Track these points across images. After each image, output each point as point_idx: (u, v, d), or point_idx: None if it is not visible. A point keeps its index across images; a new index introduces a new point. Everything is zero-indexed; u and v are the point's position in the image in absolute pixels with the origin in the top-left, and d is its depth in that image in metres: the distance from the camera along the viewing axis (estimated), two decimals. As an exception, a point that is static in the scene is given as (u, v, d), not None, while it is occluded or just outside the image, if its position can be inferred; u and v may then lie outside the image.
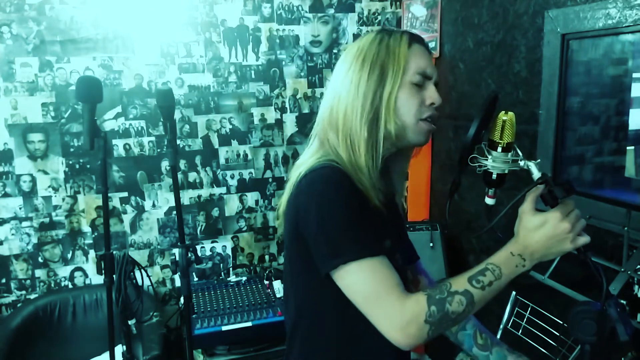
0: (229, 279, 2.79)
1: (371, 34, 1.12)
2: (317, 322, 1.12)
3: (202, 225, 2.86)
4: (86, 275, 2.71)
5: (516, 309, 1.95)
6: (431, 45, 2.81)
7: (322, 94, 1.24)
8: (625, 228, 1.60)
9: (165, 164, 2.74)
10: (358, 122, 1.05)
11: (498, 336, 1.94)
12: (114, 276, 1.79)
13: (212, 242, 2.89)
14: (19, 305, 2.57)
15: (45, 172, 2.57)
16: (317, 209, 0.98)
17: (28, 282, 2.62)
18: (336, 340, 1.11)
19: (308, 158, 1.10)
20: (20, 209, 2.56)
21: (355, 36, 2.90)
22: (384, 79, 1.06)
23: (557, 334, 1.79)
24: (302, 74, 2.88)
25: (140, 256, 2.76)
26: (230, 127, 2.82)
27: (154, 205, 2.76)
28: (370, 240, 0.99)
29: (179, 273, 1.94)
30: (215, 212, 2.86)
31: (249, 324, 2.26)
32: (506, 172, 1.03)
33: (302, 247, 1.04)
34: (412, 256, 1.32)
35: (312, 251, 1.01)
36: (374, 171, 1.07)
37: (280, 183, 2.94)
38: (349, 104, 1.07)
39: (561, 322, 1.79)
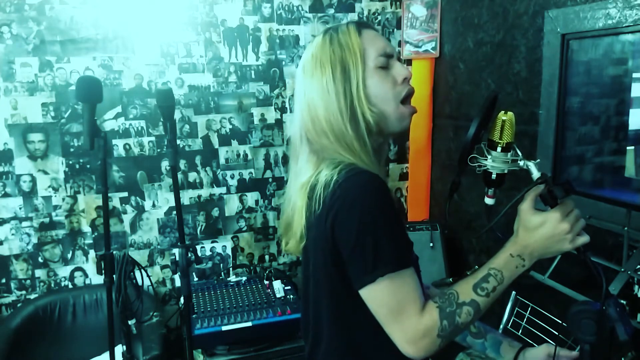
0: (229, 279, 2.78)
1: (319, 37, 1.13)
2: (354, 335, 1.09)
3: (202, 225, 2.86)
4: (86, 275, 2.71)
5: (516, 309, 1.95)
6: (431, 45, 2.82)
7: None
8: (625, 228, 1.61)
9: (165, 164, 2.74)
10: (342, 123, 1.05)
11: (498, 336, 1.94)
12: (114, 276, 1.79)
13: (212, 242, 2.89)
14: (19, 305, 2.57)
15: (45, 172, 2.57)
16: (357, 220, 0.96)
17: (28, 282, 2.62)
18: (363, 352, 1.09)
19: (315, 172, 1.06)
20: (20, 209, 2.56)
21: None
22: (348, 73, 1.07)
23: (557, 334, 1.79)
24: (302, 74, 2.87)
25: (140, 256, 2.76)
26: (230, 127, 2.82)
27: (154, 205, 2.76)
28: (404, 251, 1.00)
29: (179, 273, 1.93)
30: (215, 212, 2.86)
31: (249, 324, 2.26)
32: (506, 172, 1.03)
33: (340, 261, 1.01)
34: None
35: (347, 263, 0.99)
36: (376, 166, 1.07)
37: (281, 183, 2.94)
38: (327, 109, 1.06)
39: (561, 322, 1.79)
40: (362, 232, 0.95)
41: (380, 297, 0.97)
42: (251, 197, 2.91)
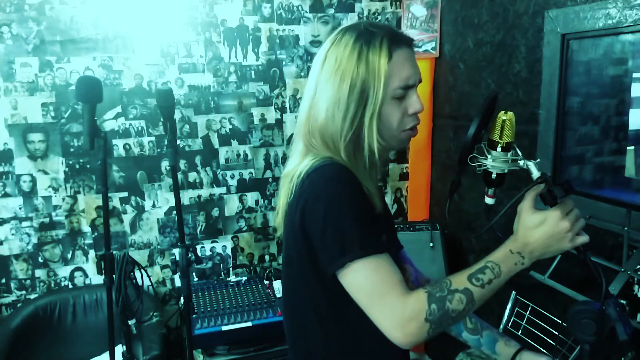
0: (229, 279, 2.78)
1: (349, 40, 1.05)
2: (334, 323, 1.10)
3: (202, 225, 2.86)
4: (86, 275, 2.71)
5: (516, 309, 1.95)
6: (431, 45, 2.82)
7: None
8: (625, 228, 1.60)
9: (165, 164, 2.74)
10: (340, 141, 1.05)
11: (498, 336, 1.94)
12: (114, 276, 1.79)
13: (212, 242, 2.89)
14: (19, 305, 2.57)
15: (45, 172, 2.57)
16: (323, 208, 0.98)
17: (28, 282, 2.62)
18: (342, 343, 1.10)
19: (299, 163, 1.09)
20: (20, 209, 2.56)
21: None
22: (365, 99, 1.04)
23: (557, 334, 1.79)
24: (302, 74, 2.88)
25: (140, 256, 2.76)
26: (230, 127, 2.82)
27: (154, 205, 2.76)
28: (375, 237, 0.99)
29: (179, 273, 1.93)
30: (215, 212, 2.86)
31: (249, 324, 2.26)
32: (506, 171, 1.03)
33: (312, 249, 1.03)
34: (397, 245, 1.32)
35: (318, 251, 1.01)
36: (371, 175, 1.09)
37: (280, 183, 2.93)
38: (330, 121, 1.05)
39: (561, 322, 1.79)
40: (329, 221, 0.97)
41: (355, 282, 0.98)
42: (251, 197, 2.91)
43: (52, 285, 2.66)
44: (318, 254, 1.01)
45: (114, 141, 2.64)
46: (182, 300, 2.06)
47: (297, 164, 1.09)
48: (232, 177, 2.87)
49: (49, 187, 2.59)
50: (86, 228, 2.68)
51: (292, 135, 2.88)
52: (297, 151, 1.14)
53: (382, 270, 0.97)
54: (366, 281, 0.96)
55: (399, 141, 1.11)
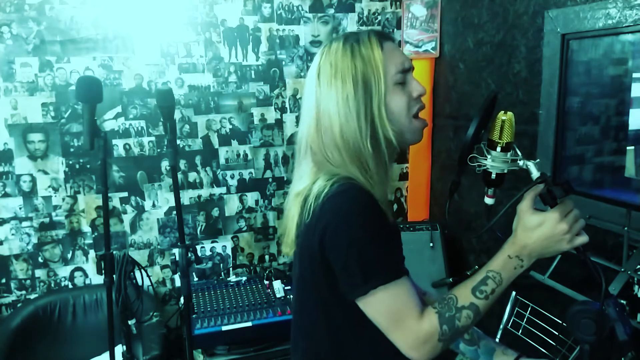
0: (229, 279, 2.78)
1: (339, 44, 1.08)
2: (350, 342, 1.10)
3: (202, 225, 2.86)
4: (86, 275, 2.71)
5: (516, 309, 1.95)
6: (431, 45, 2.82)
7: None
8: (625, 228, 1.60)
9: (165, 164, 2.74)
10: (361, 141, 1.04)
11: (498, 336, 1.94)
12: (114, 276, 1.79)
13: (212, 242, 2.89)
14: (19, 305, 2.57)
15: (45, 172, 2.57)
16: (346, 235, 0.97)
17: (28, 282, 2.62)
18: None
19: (312, 182, 1.07)
20: (20, 209, 2.56)
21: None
22: (370, 91, 1.05)
23: (557, 334, 1.79)
24: (302, 74, 2.88)
25: (140, 256, 2.76)
26: (230, 127, 2.82)
27: (154, 205, 2.76)
28: (397, 262, 1.01)
29: (179, 273, 1.93)
30: (215, 212, 2.86)
31: (249, 324, 2.26)
32: (505, 171, 1.03)
33: (330, 272, 1.02)
34: None
35: (338, 276, 1.01)
36: (387, 184, 1.08)
37: (280, 183, 2.94)
38: (345, 124, 1.05)
39: (561, 322, 1.79)
40: (352, 247, 0.97)
41: (376, 308, 0.99)
42: (251, 197, 2.91)
43: (52, 285, 2.66)
44: (339, 279, 1.01)
45: (114, 141, 2.64)
46: (182, 300, 2.06)
47: (310, 184, 1.07)
48: (232, 177, 2.87)
49: (49, 187, 2.59)
50: (86, 228, 2.68)
51: (292, 135, 2.90)
52: (307, 170, 1.12)
53: (402, 295, 0.99)
54: (387, 307, 0.98)
55: (411, 131, 1.10)
